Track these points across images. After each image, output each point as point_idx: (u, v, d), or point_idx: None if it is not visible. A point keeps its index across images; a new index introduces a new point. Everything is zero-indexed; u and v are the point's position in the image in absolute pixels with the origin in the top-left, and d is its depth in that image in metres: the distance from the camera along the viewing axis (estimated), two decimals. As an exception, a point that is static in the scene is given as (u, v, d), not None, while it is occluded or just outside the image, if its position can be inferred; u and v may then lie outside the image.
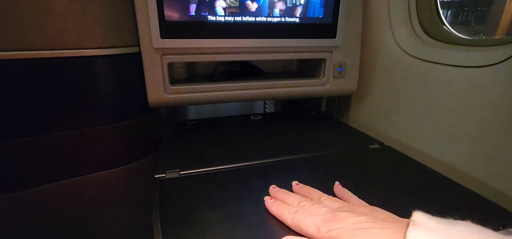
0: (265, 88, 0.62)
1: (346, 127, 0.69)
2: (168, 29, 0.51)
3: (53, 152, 0.49)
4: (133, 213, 0.60)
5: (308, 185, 0.39)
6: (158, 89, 0.55)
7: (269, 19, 0.55)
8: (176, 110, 0.91)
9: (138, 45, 0.51)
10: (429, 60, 0.54)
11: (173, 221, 0.33)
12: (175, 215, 0.34)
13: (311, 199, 0.34)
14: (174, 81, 0.58)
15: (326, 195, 0.35)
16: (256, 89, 0.62)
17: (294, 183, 0.40)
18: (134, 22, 0.50)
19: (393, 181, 0.43)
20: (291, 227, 0.31)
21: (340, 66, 0.64)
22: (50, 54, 0.44)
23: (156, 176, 0.43)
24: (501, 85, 0.43)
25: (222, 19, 0.53)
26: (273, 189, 0.39)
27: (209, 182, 0.42)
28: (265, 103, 1.15)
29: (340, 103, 0.80)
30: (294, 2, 0.55)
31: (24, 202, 0.50)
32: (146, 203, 0.61)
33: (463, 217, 0.23)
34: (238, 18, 0.53)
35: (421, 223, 0.23)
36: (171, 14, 0.50)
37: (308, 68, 0.71)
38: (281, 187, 0.40)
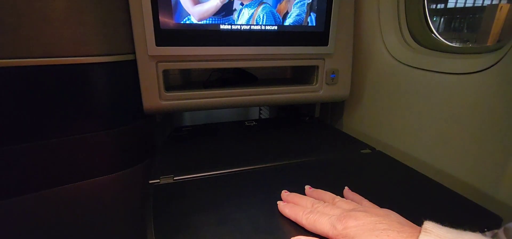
0: (259, 95, 0.63)
1: (339, 132, 0.70)
2: (163, 37, 0.52)
3: (49, 158, 0.50)
4: (127, 219, 0.60)
5: (300, 189, 0.40)
6: (153, 96, 0.55)
7: (263, 27, 0.56)
8: (171, 116, 0.92)
9: (134, 52, 0.52)
10: (419, 67, 0.55)
11: (167, 226, 0.33)
12: (169, 220, 0.35)
13: (325, 201, 0.35)
14: (169, 87, 0.58)
15: (339, 197, 0.36)
16: (250, 95, 0.63)
17: (307, 187, 0.41)
18: (130, 30, 0.51)
19: (383, 185, 0.44)
20: (305, 227, 0.32)
21: (333, 73, 0.66)
22: (46, 62, 0.45)
23: (150, 181, 0.44)
24: (488, 90, 0.44)
25: (216, 27, 0.54)
26: (285, 193, 0.39)
27: (203, 187, 0.42)
28: (260, 109, 1.16)
29: (333, 109, 0.81)
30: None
31: (19, 208, 0.50)
32: (141, 208, 0.61)
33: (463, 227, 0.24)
34: (233, 26, 0.55)
35: (433, 231, 0.24)
36: (166, 22, 0.51)
37: (301, 75, 0.73)
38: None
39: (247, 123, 0.74)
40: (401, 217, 0.29)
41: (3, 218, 0.49)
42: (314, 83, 0.67)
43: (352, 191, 0.39)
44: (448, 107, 0.50)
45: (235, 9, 0.54)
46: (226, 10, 0.53)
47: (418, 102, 0.55)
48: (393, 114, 0.61)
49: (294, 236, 0.31)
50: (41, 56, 0.45)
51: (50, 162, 0.50)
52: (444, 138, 0.50)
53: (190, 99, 0.59)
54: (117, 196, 0.58)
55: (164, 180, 0.44)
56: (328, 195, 0.37)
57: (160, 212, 0.36)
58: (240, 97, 0.62)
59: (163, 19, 0.51)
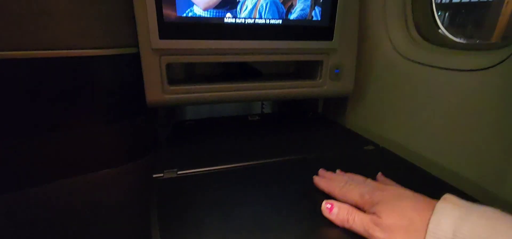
0: (263, 89, 0.63)
1: (342, 128, 0.70)
2: (167, 30, 0.51)
3: (52, 152, 0.50)
4: (131, 212, 0.61)
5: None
6: (157, 90, 0.55)
7: (267, 21, 0.56)
8: (173, 110, 0.92)
9: (137, 45, 0.52)
10: (424, 63, 0.55)
11: (171, 220, 0.34)
12: (173, 214, 0.35)
13: (357, 181, 0.38)
14: (172, 81, 0.58)
15: (370, 179, 0.38)
16: (254, 90, 0.62)
17: (338, 171, 0.44)
18: (133, 22, 0.50)
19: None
20: (337, 197, 0.36)
21: (337, 68, 0.65)
22: (49, 54, 0.45)
23: (154, 176, 0.44)
24: (495, 88, 0.44)
25: (220, 20, 0.53)
26: (322, 171, 0.43)
27: (207, 182, 0.43)
28: (262, 104, 1.16)
29: (336, 104, 0.80)
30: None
31: (22, 202, 0.50)
32: (144, 202, 0.61)
33: None
34: (238, 20, 0.54)
35: (451, 200, 0.27)
36: (170, 14, 0.51)
37: (305, 69, 0.72)
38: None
39: (250, 117, 0.74)
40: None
41: (7, 211, 0.50)
42: (318, 78, 0.66)
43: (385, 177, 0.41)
44: (454, 104, 0.49)
45: (238, 2, 0.53)
46: (230, 4, 0.53)
47: (423, 98, 0.55)
48: (397, 110, 0.61)
49: (299, 234, 0.32)
50: (45, 48, 0.44)
51: (53, 156, 0.50)
52: (448, 136, 0.50)
53: (194, 93, 0.58)
54: (120, 190, 0.58)
55: (167, 174, 0.44)
56: (360, 177, 0.40)
57: (164, 206, 0.36)
58: (243, 92, 0.61)
59: (167, 11, 0.50)
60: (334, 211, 0.32)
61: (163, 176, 0.44)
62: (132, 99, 0.55)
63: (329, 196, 0.37)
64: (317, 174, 0.43)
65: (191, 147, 0.56)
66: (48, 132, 0.48)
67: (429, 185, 0.44)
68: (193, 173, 0.45)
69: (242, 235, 0.31)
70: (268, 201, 0.37)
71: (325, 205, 0.34)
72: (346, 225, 0.31)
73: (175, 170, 0.45)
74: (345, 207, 0.32)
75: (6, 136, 0.46)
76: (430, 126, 0.54)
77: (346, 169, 0.47)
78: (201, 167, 0.46)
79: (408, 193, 0.31)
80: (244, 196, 0.39)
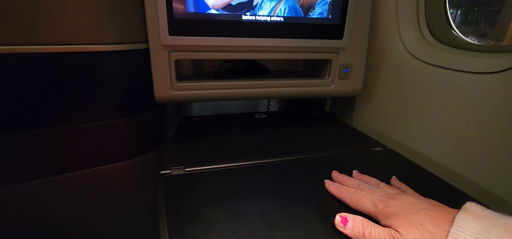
0: (271, 87, 0.62)
1: (349, 128, 0.69)
2: (177, 26, 0.51)
3: (60, 145, 0.50)
4: (137, 206, 0.62)
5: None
6: (165, 85, 0.55)
7: (277, 19, 0.55)
8: (180, 106, 0.92)
9: (146, 41, 0.52)
10: (436, 64, 0.54)
11: (179, 218, 0.34)
12: (181, 211, 0.35)
13: (370, 185, 0.37)
14: (180, 77, 0.58)
15: (384, 183, 0.38)
16: (262, 87, 0.62)
17: (354, 171, 0.43)
18: (143, 18, 0.50)
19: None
20: (349, 205, 0.34)
21: (346, 67, 0.64)
22: (60, 49, 0.45)
23: (161, 172, 0.44)
24: (508, 92, 0.43)
25: (230, 17, 0.53)
26: (335, 173, 0.42)
27: (214, 180, 0.43)
28: (269, 102, 1.15)
29: (344, 103, 0.80)
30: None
31: (32, 193, 0.51)
32: (151, 196, 0.62)
33: None
34: (248, 17, 0.54)
35: (472, 211, 0.25)
36: (180, 11, 0.50)
37: (313, 68, 0.71)
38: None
39: (257, 115, 0.74)
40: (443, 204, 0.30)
41: (17, 201, 0.51)
42: (326, 77, 0.65)
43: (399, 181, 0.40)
44: (466, 108, 0.48)
45: (255, 4, 0.53)
46: (247, 6, 0.52)
47: (434, 101, 0.54)
48: (406, 112, 0.60)
49: (304, 232, 0.32)
50: (55, 43, 0.45)
51: (61, 149, 0.51)
52: (460, 140, 0.49)
53: (202, 89, 0.58)
54: (127, 184, 0.59)
55: (175, 171, 0.45)
56: (373, 180, 0.39)
57: (172, 203, 0.37)
58: (251, 89, 0.61)
59: (177, 7, 0.50)
60: (349, 225, 0.30)
61: (170, 172, 0.44)
62: (141, 94, 0.56)
63: (337, 198, 0.37)
64: (324, 174, 0.43)
65: (198, 144, 0.56)
66: (56, 126, 0.49)
67: (439, 190, 0.43)
68: (200, 171, 0.45)
69: (249, 232, 0.32)
70: (275, 200, 0.37)
71: (339, 218, 0.31)
72: None
73: (183, 167, 0.45)
74: (360, 220, 0.30)
75: (17, 128, 0.47)
76: (440, 128, 0.53)
77: (353, 171, 0.47)
78: (208, 165, 0.46)
79: (424, 203, 0.30)
80: (251, 194, 0.39)
